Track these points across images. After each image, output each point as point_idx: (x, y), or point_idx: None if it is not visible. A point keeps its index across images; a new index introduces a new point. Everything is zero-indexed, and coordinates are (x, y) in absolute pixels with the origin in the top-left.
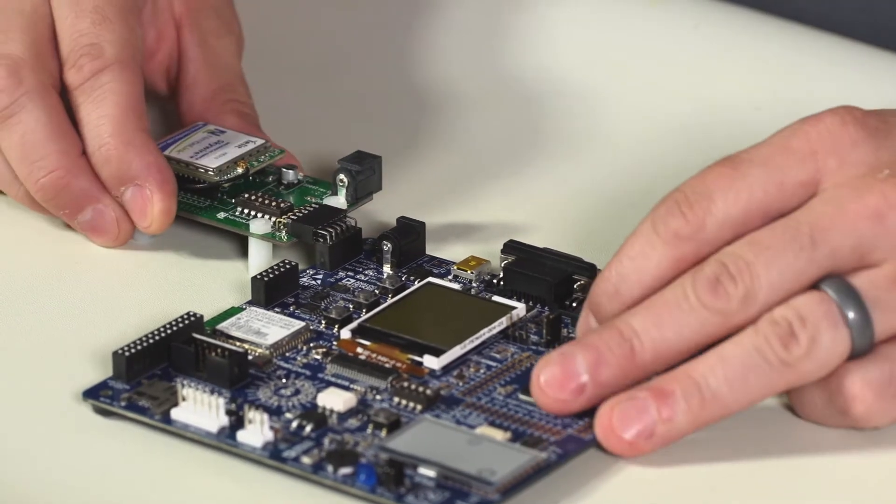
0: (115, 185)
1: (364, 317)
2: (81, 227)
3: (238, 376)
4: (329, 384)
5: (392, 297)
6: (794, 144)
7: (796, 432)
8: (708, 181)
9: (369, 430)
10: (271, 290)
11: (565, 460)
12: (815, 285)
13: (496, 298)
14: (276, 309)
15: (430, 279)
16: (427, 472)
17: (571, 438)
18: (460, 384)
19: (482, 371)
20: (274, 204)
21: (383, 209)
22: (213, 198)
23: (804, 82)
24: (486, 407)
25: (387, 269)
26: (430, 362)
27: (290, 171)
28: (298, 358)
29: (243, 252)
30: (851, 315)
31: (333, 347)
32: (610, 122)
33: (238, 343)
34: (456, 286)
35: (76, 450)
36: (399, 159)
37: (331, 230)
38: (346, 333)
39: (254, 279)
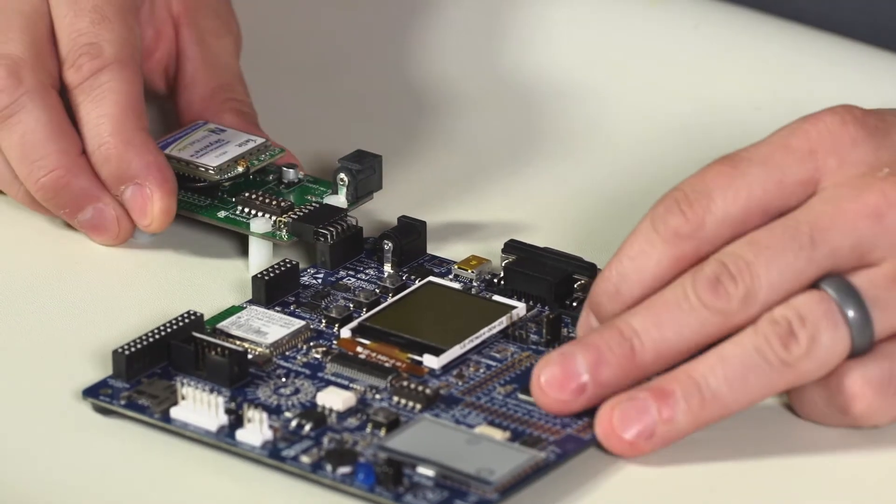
0: (115, 184)
1: (364, 316)
2: (82, 226)
3: (238, 375)
4: (329, 383)
5: (393, 297)
6: (794, 143)
7: (796, 432)
8: (707, 179)
9: (368, 430)
10: (272, 290)
11: (564, 460)
12: (814, 284)
13: (496, 298)
14: (277, 308)
15: (431, 278)
16: (426, 471)
17: (570, 438)
18: (460, 383)
19: (482, 370)
20: (274, 203)
21: (384, 208)
22: (213, 197)
23: (804, 82)
24: (486, 406)
25: (388, 268)
26: (430, 361)
27: (291, 170)
28: (298, 357)
29: (244, 251)
30: (851, 314)
31: (333, 346)
32: (610, 122)
33: (238, 342)
34: (456, 285)
35: (76, 448)
36: (400, 158)
37: (332, 229)
38: (345, 332)
39: (254, 278)
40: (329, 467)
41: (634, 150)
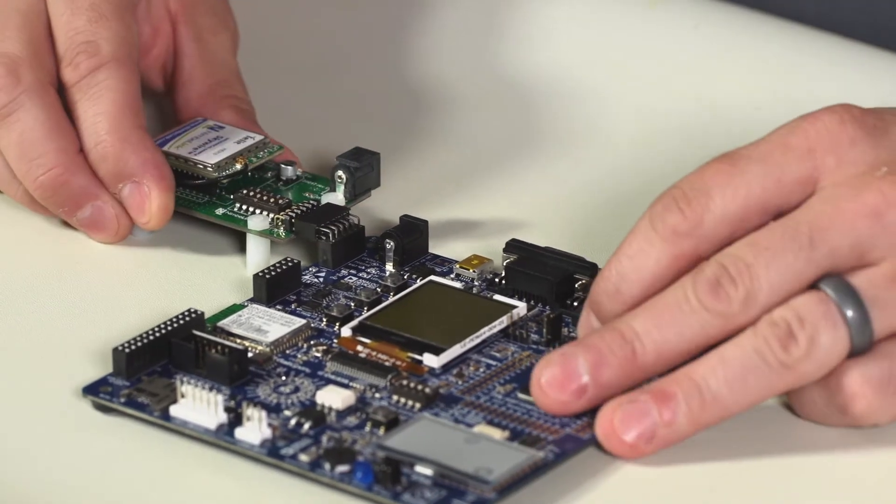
0: (113, 182)
1: (365, 314)
2: (80, 224)
3: (238, 373)
4: (328, 382)
5: (394, 296)
6: (793, 142)
7: (796, 432)
8: (706, 177)
9: (367, 428)
10: (273, 288)
11: (563, 459)
12: (814, 285)
13: (497, 297)
14: (278, 306)
15: (432, 277)
16: (424, 470)
17: (569, 438)
18: (459, 383)
19: (482, 370)
20: (272, 200)
21: (387, 207)
22: (211, 194)
23: (804, 82)
24: (485, 406)
25: (389, 267)
26: (430, 361)
27: (289, 168)
28: (299, 356)
29: (244, 249)
30: (850, 314)
31: (334, 345)
32: (610, 122)
33: (238, 340)
34: (458, 285)
35: (75, 446)
36: (401, 157)
37: (333, 228)
38: (346, 331)
39: (256, 277)
40: (327, 466)
41: (634, 149)
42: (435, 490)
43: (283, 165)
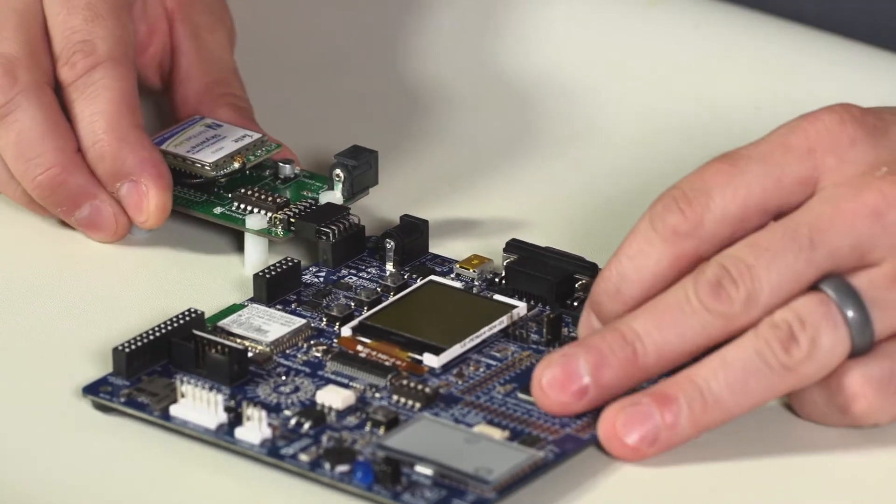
0: (111, 182)
1: (365, 314)
2: (79, 224)
3: (238, 373)
4: (328, 382)
5: (394, 295)
6: (793, 141)
7: (796, 432)
8: (706, 178)
9: (367, 428)
10: (273, 288)
11: (563, 459)
12: (814, 286)
13: (497, 297)
14: (278, 306)
15: (432, 277)
16: (424, 470)
17: (569, 437)
18: (459, 383)
19: (482, 370)
20: (270, 199)
21: (387, 207)
22: (209, 193)
23: (804, 82)
24: (485, 405)
25: (389, 266)
26: (430, 360)
27: (287, 166)
28: (299, 355)
29: (243, 248)
30: (851, 314)
31: (334, 345)
32: (610, 122)
33: (238, 340)
34: (458, 284)
35: (75, 446)
36: (403, 157)
37: (334, 227)
38: (346, 331)
39: (256, 276)
40: (327, 465)
41: (634, 149)
42: (435, 490)
43: (281, 164)
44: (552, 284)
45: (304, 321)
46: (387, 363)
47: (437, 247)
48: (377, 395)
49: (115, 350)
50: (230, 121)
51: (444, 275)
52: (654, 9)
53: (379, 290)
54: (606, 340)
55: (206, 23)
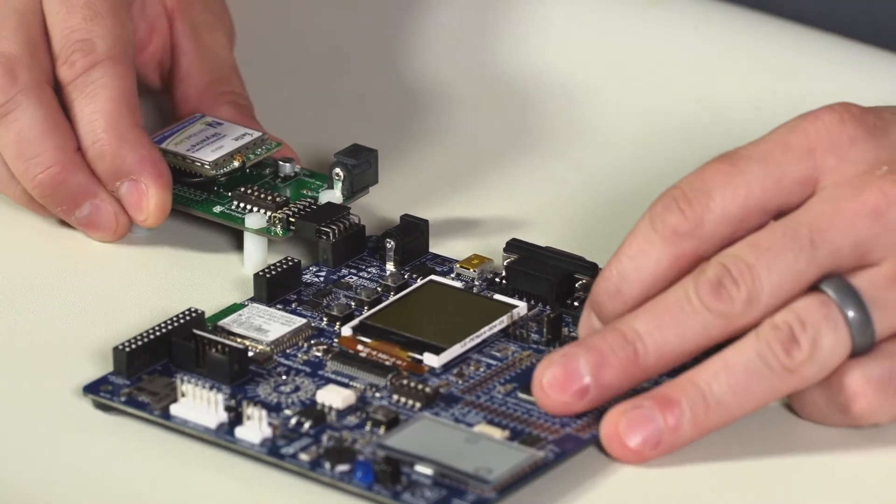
0: (111, 181)
1: (365, 314)
2: (79, 223)
3: (238, 373)
4: (328, 381)
5: (394, 295)
6: (793, 141)
7: (796, 432)
8: (706, 177)
9: (368, 428)
10: (273, 287)
11: (563, 459)
12: (815, 286)
13: (497, 297)
14: (279, 306)
15: (432, 277)
16: (424, 469)
17: (569, 437)
18: (460, 382)
19: (482, 369)
20: (269, 198)
21: (387, 207)
22: (209, 191)
23: (804, 82)
24: (485, 405)
25: (390, 266)
26: (431, 360)
27: (287, 164)
28: (299, 355)
29: (242, 247)
30: (851, 314)
31: (334, 344)
32: (610, 122)
33: (239, 339)
34: (458, 284)
35: (75, 445)
36: (404, 156)
37: (334, 227)
38: (346, 331)
39: (256, 276)
40: (327, 465)
41: (634, 149)
42: (435, 490)
43: (280, 162)
44: (552, 284)
45: (304, 321)
46: (387, 363)
47: (438, 246)
48: (377, 394)
49: (116, 349)
50: (231, 119)
51: (444, 274)
52: (654, 9)
53: (379, 289)
54: (607, 340)
55: (205, 21)
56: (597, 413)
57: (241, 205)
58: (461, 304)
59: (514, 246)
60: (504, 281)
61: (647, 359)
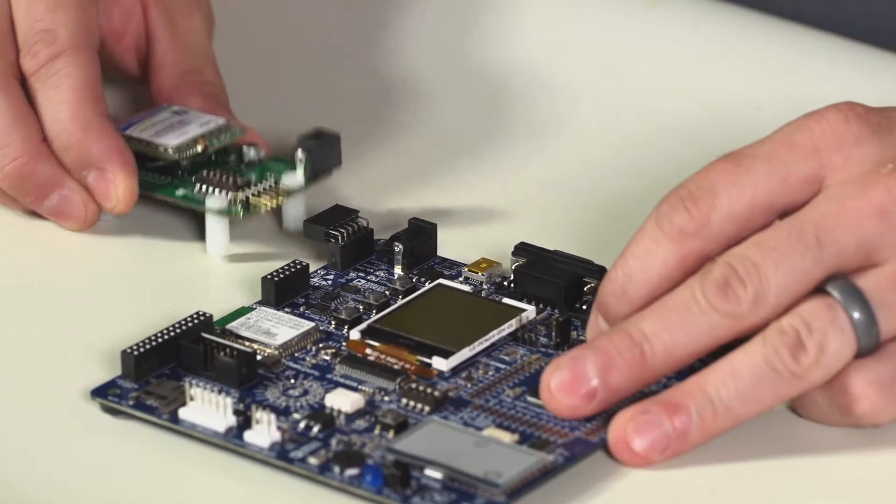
0: (78, 170)
1: (373, 318)
2: (48, 213)
3: (247, 376)
4: (337, 385)
5: (402, 299)
6: (798, 140)
7: (797, 432)
8: (712, 177)
9: (377, 432)
10: (281, 291)
11: (572, 463)
12: (820, 287)
13: (506, 301)
14: (287, 309)
15: (441, 280)
16: (433, 473)
17: (579, 441)
18: (468, 386)
19: (491, 373)
20: (230, 180)
21: (396, 210)
22: (173, 175)
23: (804, 82)
24: (494, 409)
25: (398, 270)
26: (439, 364)
27: (252, 149)
28: (307, 358)
29: (250, 250)
30: (856, 316)
31: (342, 348)
32: (610, 122)
33: (247, 343)
34: (466, 288)
35: (83, 449)
36: (406, 157)
37: (342, 230)
38: (355, 334)
39: (264, 279)
40: (337, 469)
41: (635, 149)
42: (444, 493)
43: (245, 147)
44: (561, 288)
45: (312, 324)
46: (396, 366)
47: (446, 250)
48: (386, 398)
49: (124, 353)
50: (202, 109)
51: (452, 278)
52: (654, 9)
53: (387, 293)
54: (614, 342)
55: (180, 7)
56: (606, 416)
57: (203, 187)
58: (469, 307)
59: (522, 249)
60: (512, 284)
61: (654, 360)
